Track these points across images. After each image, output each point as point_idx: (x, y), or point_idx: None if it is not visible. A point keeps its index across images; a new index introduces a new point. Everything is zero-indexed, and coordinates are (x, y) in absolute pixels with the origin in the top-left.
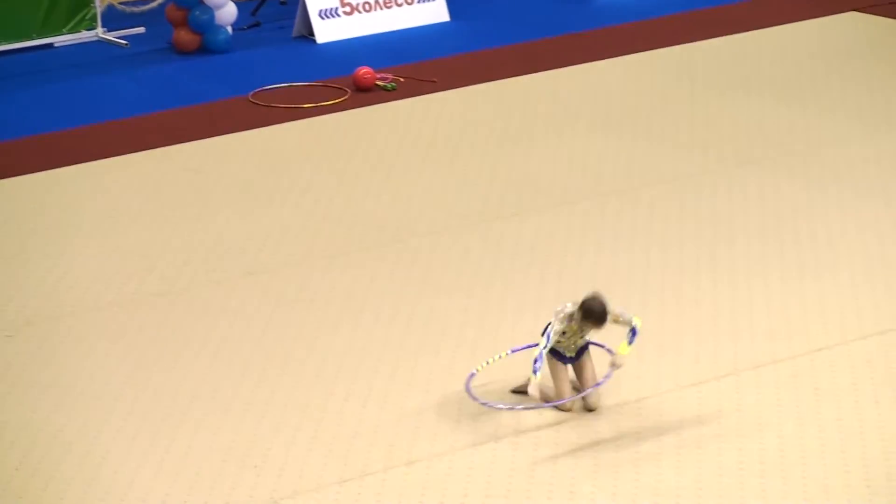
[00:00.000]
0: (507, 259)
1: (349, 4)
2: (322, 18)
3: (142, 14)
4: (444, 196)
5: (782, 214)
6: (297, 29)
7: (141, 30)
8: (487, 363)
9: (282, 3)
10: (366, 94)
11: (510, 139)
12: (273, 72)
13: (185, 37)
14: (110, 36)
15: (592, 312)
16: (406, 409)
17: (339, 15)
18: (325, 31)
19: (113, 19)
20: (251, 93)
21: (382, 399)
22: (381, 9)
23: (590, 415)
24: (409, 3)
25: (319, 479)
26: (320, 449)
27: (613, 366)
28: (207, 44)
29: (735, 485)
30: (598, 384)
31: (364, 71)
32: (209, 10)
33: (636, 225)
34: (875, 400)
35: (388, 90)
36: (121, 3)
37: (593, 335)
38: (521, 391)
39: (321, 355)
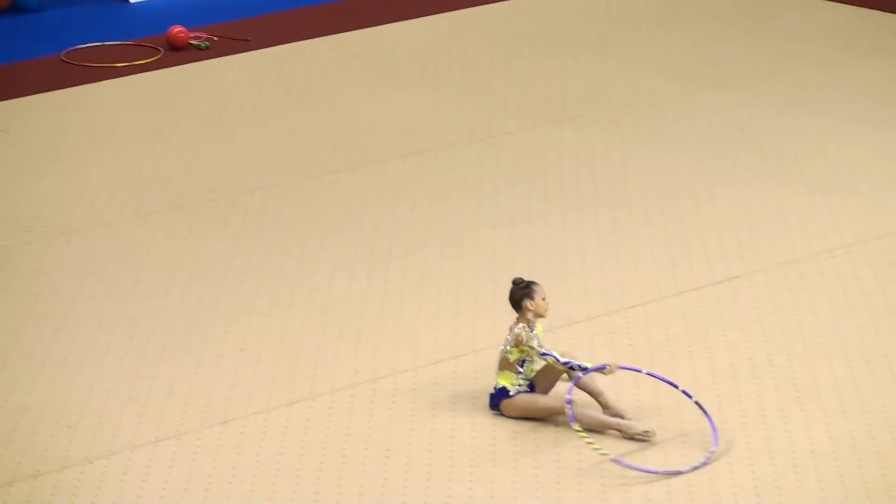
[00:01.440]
0: (323, 217)
1: None
2: None
3: None
4: (259, 155)
5: (596, 172)
6: None
7: None
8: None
9: None
10: (179, 53)
11: (325, 98)
12: (86, 31)
13: None
14: None
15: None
16: (221, 369)
17: None
18: None
19: None
20: (63, 52)
21: (198, 359)
22: None
23: (398, 377)
24: None
25: (134, 439)
26: (135, 408)
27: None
28: (19, 2)
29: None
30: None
31: (177, 30)
32: None
33: (451, 180)
34: (688, 353)
35: (202, 49)
36: None
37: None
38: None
39: (135, 316)
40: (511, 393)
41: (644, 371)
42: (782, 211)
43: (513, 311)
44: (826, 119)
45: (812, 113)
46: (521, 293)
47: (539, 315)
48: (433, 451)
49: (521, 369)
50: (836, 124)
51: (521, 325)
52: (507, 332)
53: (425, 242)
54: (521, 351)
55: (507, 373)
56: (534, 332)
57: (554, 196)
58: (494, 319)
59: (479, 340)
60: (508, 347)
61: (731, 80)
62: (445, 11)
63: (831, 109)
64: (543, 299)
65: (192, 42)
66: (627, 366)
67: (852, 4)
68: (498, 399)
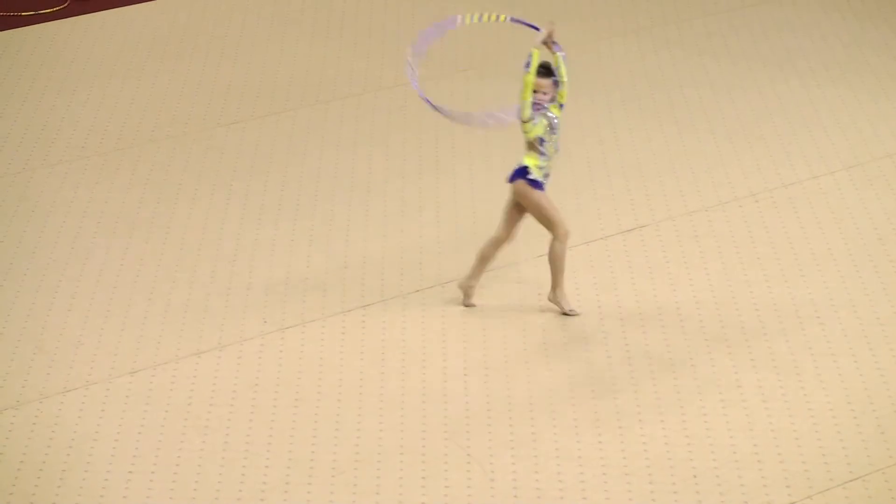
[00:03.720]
0: (230, 166)
1: None
2: None
3: None
4: (165, 104)
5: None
6: None
7: None
8: (480, 19)
9: None
10: (86, 1)
11: (231, 47)
12: None
13: None
14: None
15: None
16: (130, 319)
17: None
18: None
19: None
20: None
21: (106, 308)
22: None
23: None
24: None
25: (43, 389)
26: (43, 359)
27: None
28: None
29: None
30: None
31: None
32: None
33: (358, 130)
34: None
35: None
36: None
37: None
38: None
39: (42, 265)
40: (531, 175)
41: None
42: (689, 158)
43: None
44: (732, 65)
45: (718, 58)
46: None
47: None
48: (342, 401)
49: (542, 151)
50: (742, 70)
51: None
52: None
53: (333, 192)
54: (537, 128)
55: (531, 153)
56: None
57: (461, 145)
58: (402, 269)
59: (387, 290)
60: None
61: (636, 27)
62: None
63: (737, 55)
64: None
65: None
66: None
67: None
68: (516, 176)
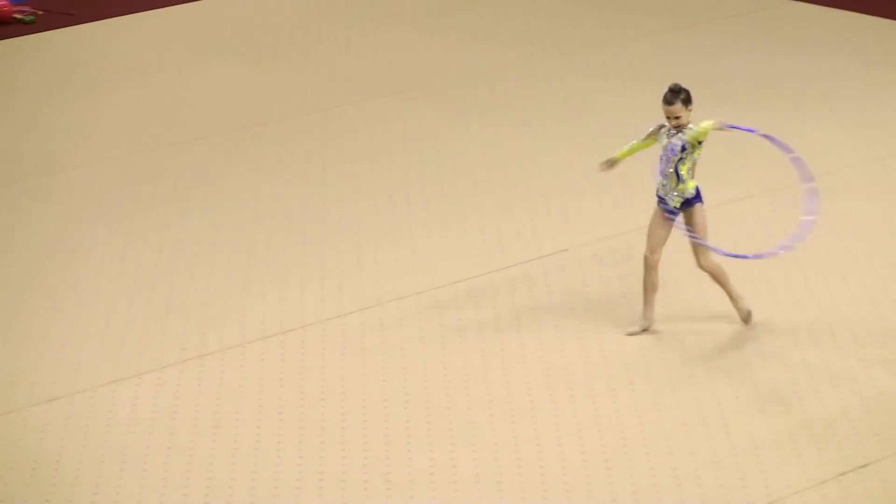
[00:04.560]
0: (154, 191)
1: None
2: None
3: None
4: (87, 130)
5: (426, 146)
6: None
7: None
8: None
9: None
10: (3, 26)
11: (154, 72)
12: None
13: None
14: None
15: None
16: (49, 344)
17: None
18: None
19: None
20: None
21: (25, 335)
22: None
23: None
24: None
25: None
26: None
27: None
28: None
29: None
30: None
31: (1, 3)
32: None
33: (281, 154)
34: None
35: (27, 23)
36: None
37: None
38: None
39: None
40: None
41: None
42: (609, 183)
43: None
44: (652, 89)
45: (638, 83)
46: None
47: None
48: (261, 427)
49: (690, 173)
50: (660, 95)
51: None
52: (666, 144)
53: (255, 217)
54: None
55: (690, 180)
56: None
57: (384, 170)
58: (322, 294)
59: (308, 315)
60: (692, 150)
61: (557, 51)
62: None
63: (656, 79)
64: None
65: (17, 16)
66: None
67: None
68: (695, 200)
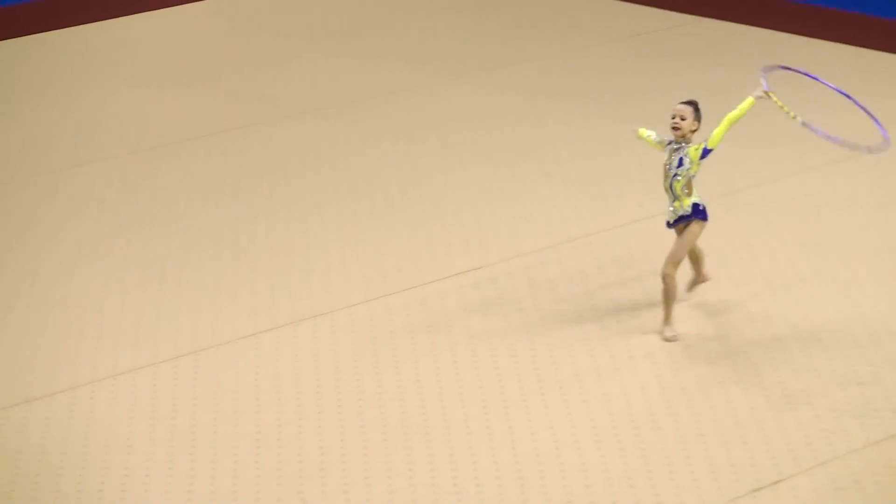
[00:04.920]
0: (59, 211)
1: None
2: None
3: None
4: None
5: (337, 164)
6: None
7: None
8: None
9: None
10: None
11: (58, 92)
12: None
13: None
14: None
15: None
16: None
17: None
18: None
19: None
20: None
21: None
22: None
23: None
24: None
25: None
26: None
27: None
28: None
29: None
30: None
31: None
32: None
33: (192, 174)
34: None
35: None
36: None
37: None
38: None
39: None
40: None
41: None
42: (522, 200)
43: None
44: (566, 107)
45: (552, 101)
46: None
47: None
48: (174, 447)
49: (686, 190)
50: (575, 113)
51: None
52: (666, 160)
53: (167, 237)
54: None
55: (685, 197)
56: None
57: (295, 189)
58: (216, 316)
59: (221, 334)
60: (689, 167)
61: (471, 69)
62: (184, 4)
63: (571, 98)
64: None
65: None
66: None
67: None
68: (692, 217)
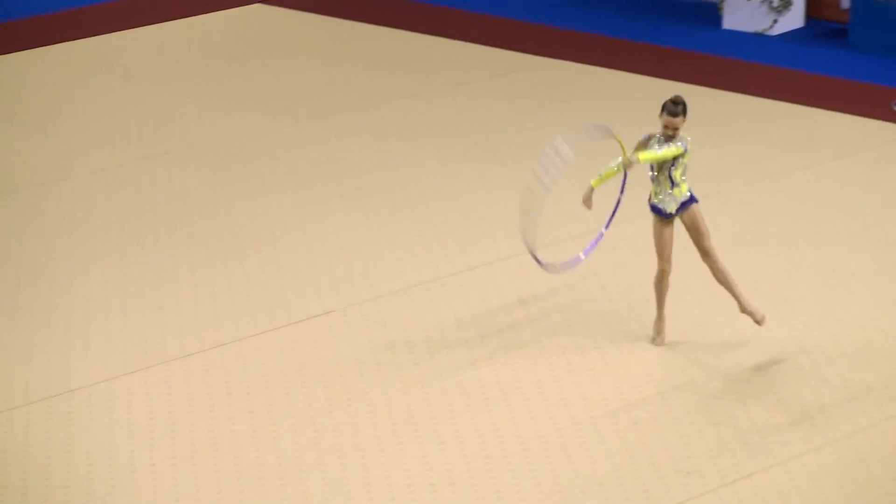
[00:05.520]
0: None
1: None
2: None
3: None
4: None
5: (190, 208)
6: None
7: None
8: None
9: None
10: None
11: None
12: None
13: None
14: None
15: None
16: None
17: None
18: None
19: None
20: None
21: None
22: None
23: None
24: None
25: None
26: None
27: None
28: None
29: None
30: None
31: None
32: None
33: (45, 219)
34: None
35: None
36: None
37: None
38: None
39: None
40: (651, 200)
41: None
42: (377, 242)
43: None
44: (418, 148)
45: (405, 142)
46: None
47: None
48: (89, 474)
49: (684, 177)
50: (428, 153)
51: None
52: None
53: (33, 280)
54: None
55: (683, 183)
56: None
57: (147, 232)
58: (86, 353)
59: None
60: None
61: (324, 112)
62: (31, 48)
63: (424, 139)
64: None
65: None
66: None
67: (438, 36)
68: (690, 202)
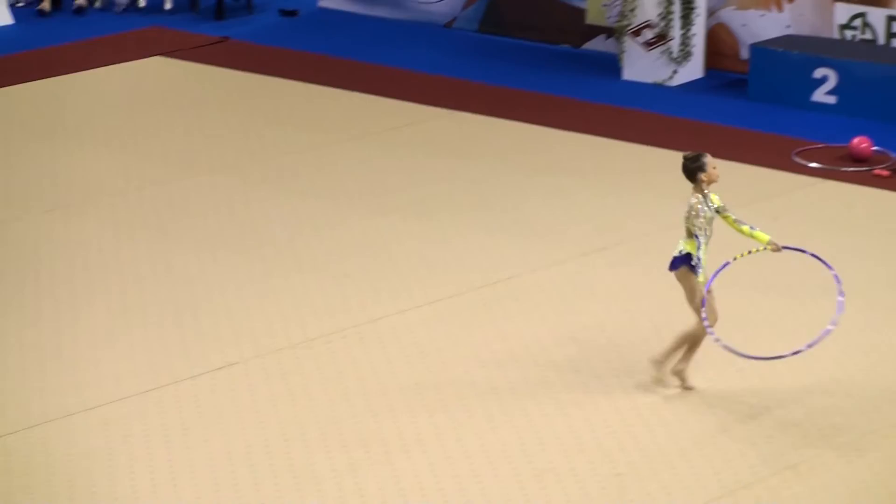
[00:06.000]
0: None
1: None
2: None
3: None
4: None
5: (89, 262)
6: None
7: None
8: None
9: None
10: None
11: None
12: None
13: None
14: None
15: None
16: None
17: None
18: None
19: None
20: None
21: None
22: None
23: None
24: None
25: None
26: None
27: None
28: None
29: None
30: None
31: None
32: None
33: None
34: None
35: None
36: None
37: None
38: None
39: None
40: (693, 262)
41: (808, 252)
42: (277, 295)
43: None
44: (317, 201)
45: (304, 196)
46: (694, 166)
47: (712, 181)
48: None
49: (699, 241)
50: (327, 206)
51: (696, 196)
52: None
53: None
54: (723, 216)
55: (692, 240)
56: (709, 201)
57: (45, 286)
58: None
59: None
60: (689, 216)
61: (223, 166)
62: None
63: (324, 191)
64: (714, 168)
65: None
66: (791, 246)
67: (338, 88)
68: (680, 263)
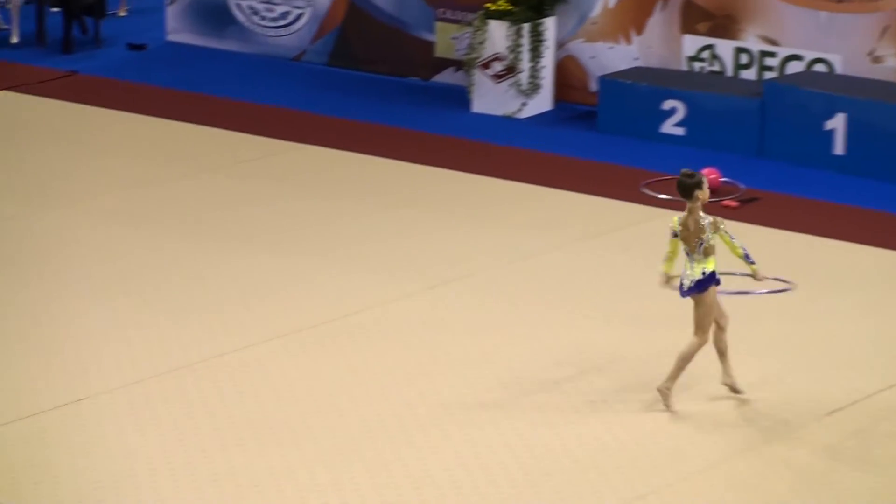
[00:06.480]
0: None
1: None
2: None
3: None
4: None
5: None
6: None
7: None
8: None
9: None
10: None
11: None
12: None
13: None
14: None
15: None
16: None
17: None
18: None
19: None
20: None
21: None
22: None
23: None
24: None
25: None
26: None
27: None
28: None
29: None
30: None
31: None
32: None
33: None
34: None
35: None
36: None
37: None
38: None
39: None
40: (717, 277)
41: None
42: (130, 330)
43: None
44: (165, 233)
45: (152, 228)
46: (692, 182)
47: (705, 200)
48: None
49: (694, 256)
50: (178, 238)
51: (702, 215)
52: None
53: None
54: (720, 235)
55: (712, 258)
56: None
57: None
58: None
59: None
60: (710, 235)
61: (70, 199)
62: None
63: (172, 224)
64: (707, 187)
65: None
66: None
67: (185, 122)
68: (708, 283)
